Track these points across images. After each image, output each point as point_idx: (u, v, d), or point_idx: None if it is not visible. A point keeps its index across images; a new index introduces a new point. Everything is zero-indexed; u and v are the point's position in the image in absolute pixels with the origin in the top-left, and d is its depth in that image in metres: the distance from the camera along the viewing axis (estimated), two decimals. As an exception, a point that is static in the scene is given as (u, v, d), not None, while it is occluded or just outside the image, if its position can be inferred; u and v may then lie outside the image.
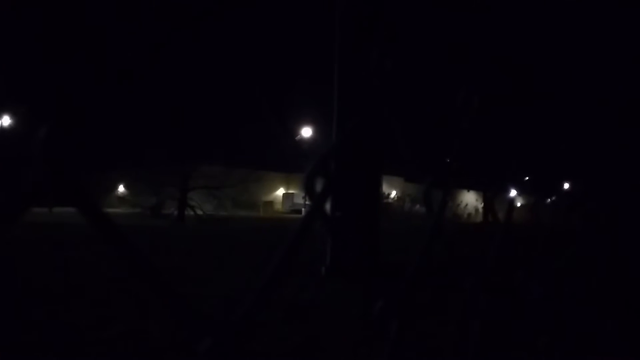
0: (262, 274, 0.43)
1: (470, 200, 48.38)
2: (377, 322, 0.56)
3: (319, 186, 0.47)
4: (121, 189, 37.60)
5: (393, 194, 40.79)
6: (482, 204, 39.32)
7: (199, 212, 24.34)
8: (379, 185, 7.64)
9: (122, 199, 33.48)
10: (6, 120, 31.52)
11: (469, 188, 47.78)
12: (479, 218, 41.00)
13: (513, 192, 1.35)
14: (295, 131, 33.28)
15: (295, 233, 0.45)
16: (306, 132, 35.49)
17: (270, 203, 42.64)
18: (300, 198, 37.70)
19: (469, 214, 45.74)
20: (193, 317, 0.42)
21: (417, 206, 34.64)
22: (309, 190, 0.46)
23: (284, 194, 44.09)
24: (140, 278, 0.40)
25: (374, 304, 0.61)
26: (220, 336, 0.39)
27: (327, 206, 0.63)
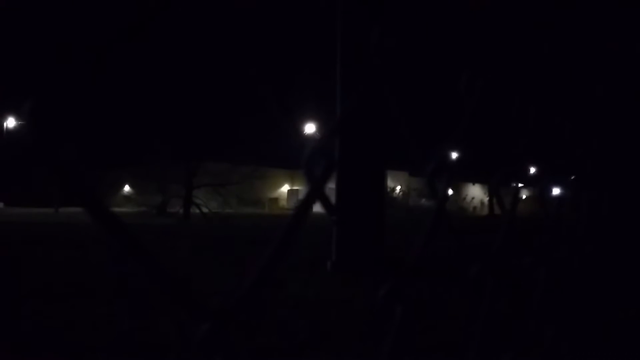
0: (260, 258, 0.42)
1: (476, 193, 48.29)
2: (381, 308, 0.55)
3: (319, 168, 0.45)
4: (127, 188, 37.77)
5: (398, 188, 40.74)
6: (488, 197, 39.26)
7: (205, 209, 24.40)
8: (384, 180, 7.62)
9: (127, 197, 33.62)
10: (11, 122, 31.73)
11: (474, 181, 47.69)
12: (485, 211, 40.91)
13: (519, 184, 1.33)
14: (299, 127, 33.26)
15: (294, 215, 0.43)
16: (310, 128, 35.42)
17: (276, 200, 42.69)
18: (305, 194, 37.59)
19: (475, 207, 45.67)
20: (192, 306, 0.41)
21: (423, 200, 34.60)
22: (308, 172, 0.45)
23: (289, 190, 44.12)
24: (147, 274, 0.39)
25: (378, 292, 0.60)
26: (216, 321, 0.38)
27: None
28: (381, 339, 0.60)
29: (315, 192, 0.45)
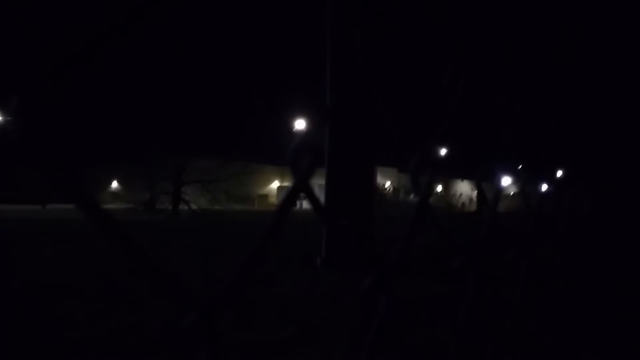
0: (245, 252, 0.43)
1: (464, 189, 48.58)
2: (366, 299, 0.57)
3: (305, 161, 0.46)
4: (114, 184, 37.46)
5: (388, 184, 40.85)
6: (476, 193, 39.54)
7: (194, 206, 24.27)
8: (373, 176, 7.64)
9: (115, 194, 33.36)
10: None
11: (463, 177, 47.97)
12: (474, 207, 41.19)
13: (505, 180, 1.35)
14: (289, 123, 33.16)
15: (279, 208, 0.45)
16: (300, 124, 35.28)
17: (265, 196, 42.59)
18: (296, 191, 37.46)
19: (463, 204, 45.94)
20: (179, 296, 0.42)
21: (411, 196, 34.70)
22: (294, 166, 0.46)
23: (278, 187, 44.04)
24: (138, 269, 0.40)
25: (363, 284, 0.61)
26: (204, 310, 0.39)
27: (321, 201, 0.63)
28: (367, 332, 0.61)
29: (300, 186, 0.46)
